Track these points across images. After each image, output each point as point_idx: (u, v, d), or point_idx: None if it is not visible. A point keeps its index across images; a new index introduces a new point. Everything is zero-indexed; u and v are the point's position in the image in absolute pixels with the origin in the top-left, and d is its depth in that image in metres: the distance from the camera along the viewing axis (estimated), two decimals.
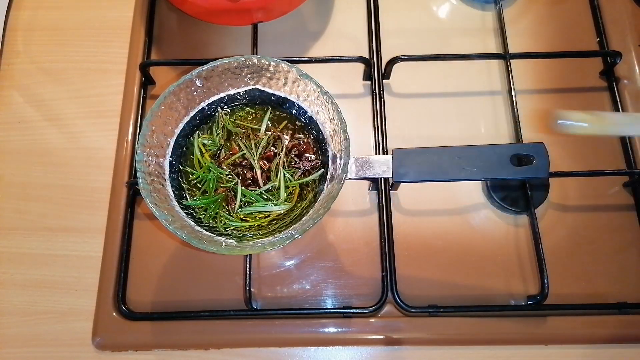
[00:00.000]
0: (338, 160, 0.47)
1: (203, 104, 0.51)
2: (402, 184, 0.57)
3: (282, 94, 0.51)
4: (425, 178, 0.48)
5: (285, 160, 0.50)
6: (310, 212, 0.46)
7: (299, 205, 0.49)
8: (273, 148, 0.51)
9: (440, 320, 0.53)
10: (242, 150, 0.50)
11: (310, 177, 0.49)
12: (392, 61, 0.61)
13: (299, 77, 0.49)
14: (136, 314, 0.53)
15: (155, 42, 0.66)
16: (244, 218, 0.48)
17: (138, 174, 0.45)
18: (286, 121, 0.52)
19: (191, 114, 0.50)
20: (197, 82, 0.49)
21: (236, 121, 0.52)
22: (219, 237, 0.46)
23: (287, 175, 0.49)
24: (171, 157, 0.49)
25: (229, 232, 0.47)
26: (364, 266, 0.56)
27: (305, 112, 0.51)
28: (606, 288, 0.55)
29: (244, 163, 0.50)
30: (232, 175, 0.50)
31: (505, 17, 0.65)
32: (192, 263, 0.56)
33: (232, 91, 0.51)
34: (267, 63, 0.49)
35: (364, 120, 0.62)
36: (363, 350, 0.53)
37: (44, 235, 0.57)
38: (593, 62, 0.65)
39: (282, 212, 0.48)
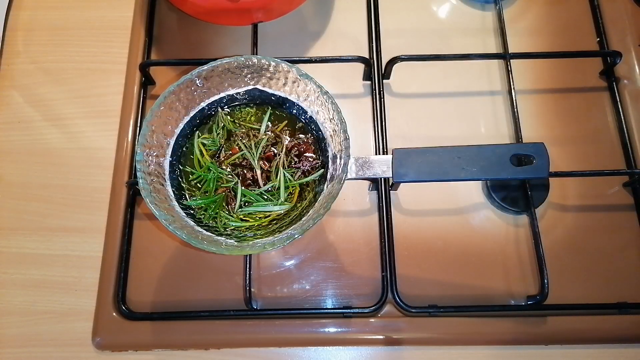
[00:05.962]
0: (338, 160, 0.47)
1: (203, 104, 0.51)
2: (402, 184, 0.57)
3: (282, 94, 0.51)
4: (425, 178, 0.48)
5: (285, 160, 0.50)
6: (310, 212, 0.46)
7: (299, 205, 0.49)
8: (273, 148, 0.51)
9: (440, 320, 0.53)
10: (242, 150, 0.50)
11: (310, 177, 0.49)
12: (392, 61, 0.61)
13: (299, 77, 0.49)
14: (136, 314, 0.53)
15: (155, 42, 0.66)
16: (244, 218, 0.48)
17: (138, 174, 0.45)
18: (286, 121, 0.52)
19: (191, 114, 0.50)
20: (197, 82, 0.49)
21: (236, 121, 0.52)
22: (219, 237, 0.46)
23: (287, 175, 0.49)
24: (171, 157, 0.49)
25: (229, 232, 0.47)
26: (364, 266, 0.56)
27: (305, 112, 0.51)
28: (606, 288, 0.55)
29: (244, 163, 0.50)
30: (232, 175, 0.50)
31: (505, 17, 0.65)
32: (192, 263, 0.56)
33: (232, 91, 0.51)
34: (267, 63, 0.49)
35: (364, 120, 0.62)
36: (363, 350, 0.53)
37: (44, 235, 0.57)
38: (593, 62, 0.65)
39: (282, 212, 0.48)
